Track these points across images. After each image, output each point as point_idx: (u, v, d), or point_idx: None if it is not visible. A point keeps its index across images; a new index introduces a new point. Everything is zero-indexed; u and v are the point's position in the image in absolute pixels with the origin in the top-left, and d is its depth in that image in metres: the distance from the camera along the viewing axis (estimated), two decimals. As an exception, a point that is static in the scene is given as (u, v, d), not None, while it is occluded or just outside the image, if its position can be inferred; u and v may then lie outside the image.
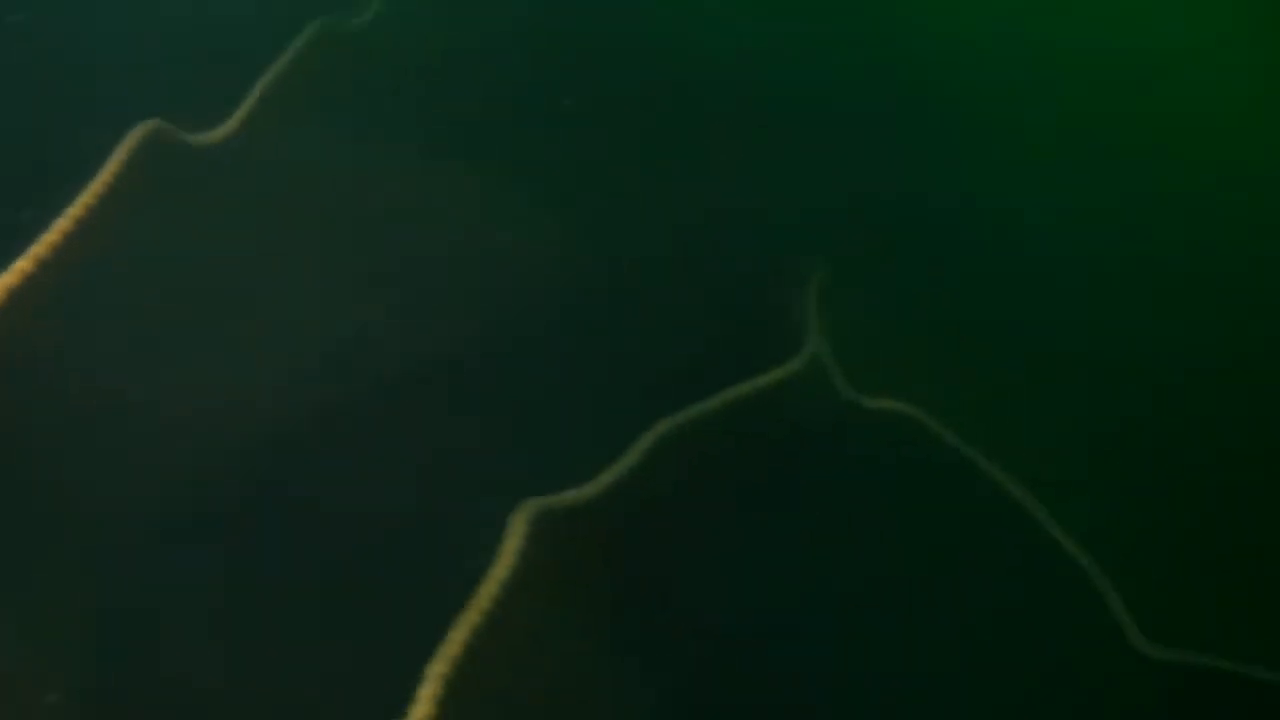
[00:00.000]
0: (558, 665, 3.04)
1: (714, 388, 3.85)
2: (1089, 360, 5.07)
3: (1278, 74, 6.44)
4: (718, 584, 3.54)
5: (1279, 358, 5.40)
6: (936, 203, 5.51)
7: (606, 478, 3.23)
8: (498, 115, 4.84)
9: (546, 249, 4.27)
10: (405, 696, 2.55)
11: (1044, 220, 5.58)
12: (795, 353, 4.23)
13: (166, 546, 3.01)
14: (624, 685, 3.13)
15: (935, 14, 6.26)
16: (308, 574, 3.08)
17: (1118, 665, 4.12)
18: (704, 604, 3.46)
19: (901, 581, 3.86)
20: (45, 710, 2.61)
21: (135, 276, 3.47)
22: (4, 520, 2.86)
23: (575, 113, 5.01)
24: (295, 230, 3.94)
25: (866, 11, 6.19)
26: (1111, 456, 4.73)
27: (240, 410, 3.40)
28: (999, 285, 5.25)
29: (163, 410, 3.27)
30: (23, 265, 3.13)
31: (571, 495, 3.19)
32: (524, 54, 5.24)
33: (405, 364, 3.72)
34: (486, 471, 3.43)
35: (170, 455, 3.20)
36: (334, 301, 3.79)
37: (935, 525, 4.08)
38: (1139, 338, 5.28)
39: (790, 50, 5.86)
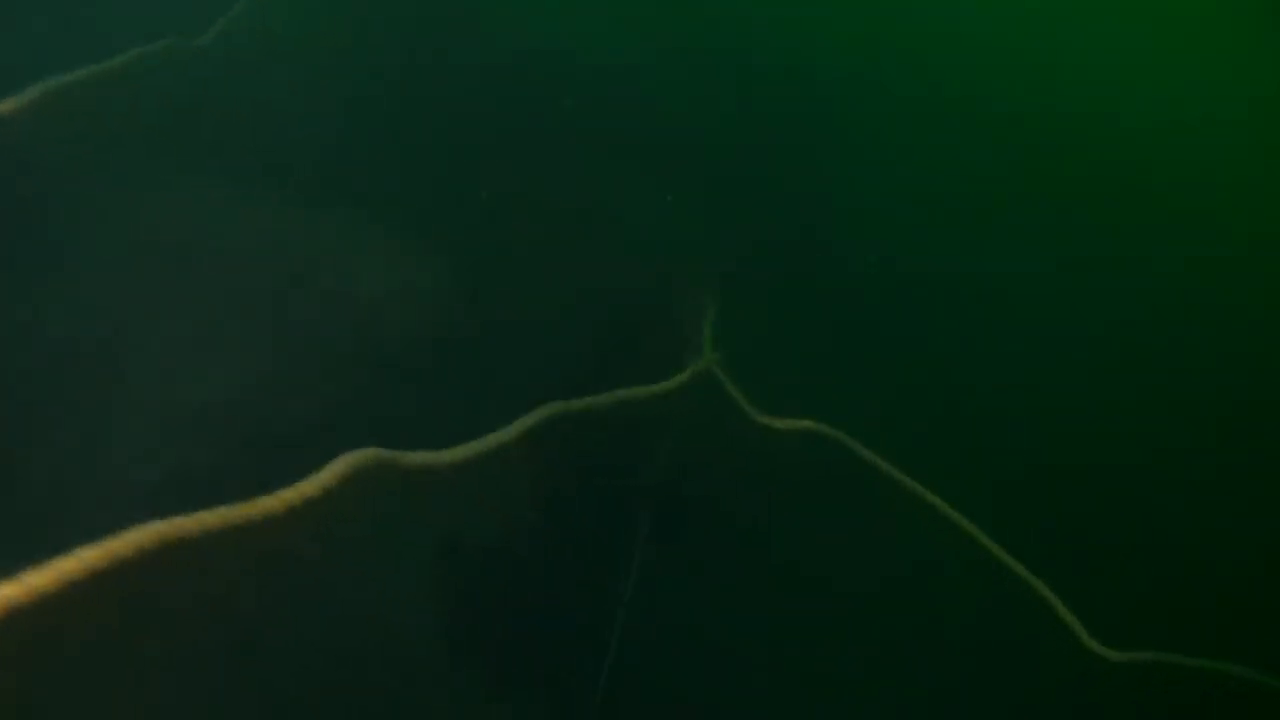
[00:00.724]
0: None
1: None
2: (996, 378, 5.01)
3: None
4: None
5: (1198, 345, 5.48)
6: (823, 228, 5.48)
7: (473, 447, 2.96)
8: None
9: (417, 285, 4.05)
10: None
11: (936, 238, 5.57)
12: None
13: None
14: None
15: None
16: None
17: (1071, 668, 3.97)
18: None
19: (827, 596, 3.71)
20: None
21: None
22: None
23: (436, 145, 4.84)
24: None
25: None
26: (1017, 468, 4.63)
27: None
28: (897, 300, 5.21)
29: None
30: None
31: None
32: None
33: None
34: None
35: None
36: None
37: (855, 540, 3.93)
38: (1045, 349, 5.27)
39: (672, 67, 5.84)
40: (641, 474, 3.62)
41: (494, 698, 3.01)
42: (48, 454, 3.24)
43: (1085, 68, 7.15)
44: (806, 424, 4.10)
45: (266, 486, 3.17)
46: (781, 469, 4.01)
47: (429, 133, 4.89)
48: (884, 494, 4.09)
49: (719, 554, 3.69)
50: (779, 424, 4.09)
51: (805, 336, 4.78)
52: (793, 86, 6.28)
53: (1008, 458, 4.57)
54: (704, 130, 5.68)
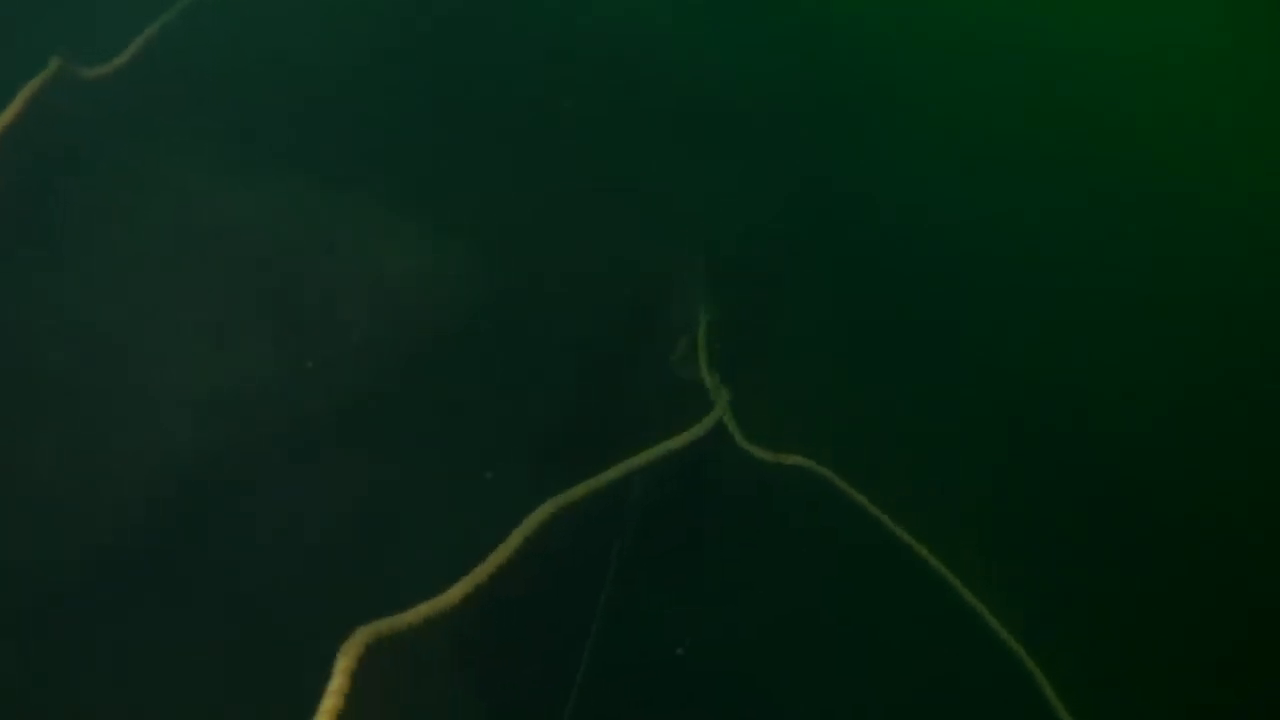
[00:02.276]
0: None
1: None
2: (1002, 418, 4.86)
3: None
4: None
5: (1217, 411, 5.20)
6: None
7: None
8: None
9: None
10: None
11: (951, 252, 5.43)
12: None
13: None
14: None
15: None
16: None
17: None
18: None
19: (812, 643, 3.73)
20: None
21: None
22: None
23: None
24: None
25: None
26: (1022, 519, 4.54)
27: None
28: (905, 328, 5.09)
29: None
30: None
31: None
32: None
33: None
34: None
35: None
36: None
37: (844, 584, 3.94)
38: (1059, 388, 5.09)
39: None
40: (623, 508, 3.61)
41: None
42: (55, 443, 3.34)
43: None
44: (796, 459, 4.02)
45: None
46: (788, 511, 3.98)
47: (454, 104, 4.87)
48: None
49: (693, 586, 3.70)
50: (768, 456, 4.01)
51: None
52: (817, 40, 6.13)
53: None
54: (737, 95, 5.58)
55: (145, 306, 3.68)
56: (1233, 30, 6.62)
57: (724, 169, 5.20)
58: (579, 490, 3.27)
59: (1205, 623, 4.35)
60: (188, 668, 2.93)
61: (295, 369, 3.66)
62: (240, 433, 3.46)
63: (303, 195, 4.12)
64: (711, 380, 4.17)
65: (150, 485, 3.26)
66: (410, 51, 4.97)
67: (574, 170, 4.87)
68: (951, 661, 3.89)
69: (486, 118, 4.96)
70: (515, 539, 2.99)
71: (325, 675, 2.53)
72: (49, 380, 3.43)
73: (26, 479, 3.19)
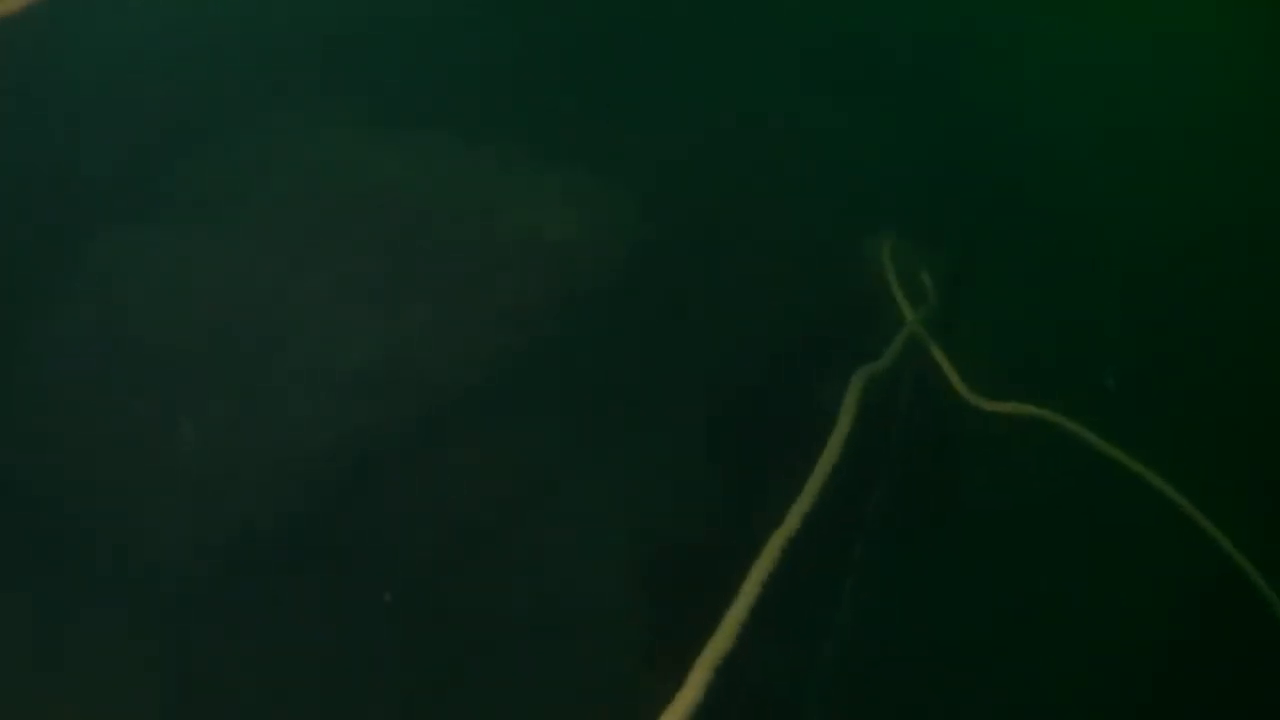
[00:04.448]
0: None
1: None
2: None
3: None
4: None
5: None
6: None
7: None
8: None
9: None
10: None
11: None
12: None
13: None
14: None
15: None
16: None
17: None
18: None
19: (1062, 598, 3.31)
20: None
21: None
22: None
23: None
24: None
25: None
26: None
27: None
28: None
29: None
30: None
31: None
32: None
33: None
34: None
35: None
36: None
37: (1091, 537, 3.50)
38: None
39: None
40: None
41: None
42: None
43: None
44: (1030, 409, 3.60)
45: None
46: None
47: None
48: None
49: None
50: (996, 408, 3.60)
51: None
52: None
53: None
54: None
55: (291, 276, 3.50)
56: None
57: (881, 105, 4.78)
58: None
59: None
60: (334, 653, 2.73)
61: (451, 337, 3.44)
62: (393, 405, 3.25)
63: (444, 153, 3.90)
64: (919, 329, 3.77)
65: (304, 461, 3.06)
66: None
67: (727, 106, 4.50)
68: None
69: (627, 56, 4.61)
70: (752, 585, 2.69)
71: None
72: (194, 353, 3.27)
73: (173, 457, 3.03)
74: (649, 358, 3.52)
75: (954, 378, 3.67)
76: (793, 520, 2.81)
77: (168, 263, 3.40)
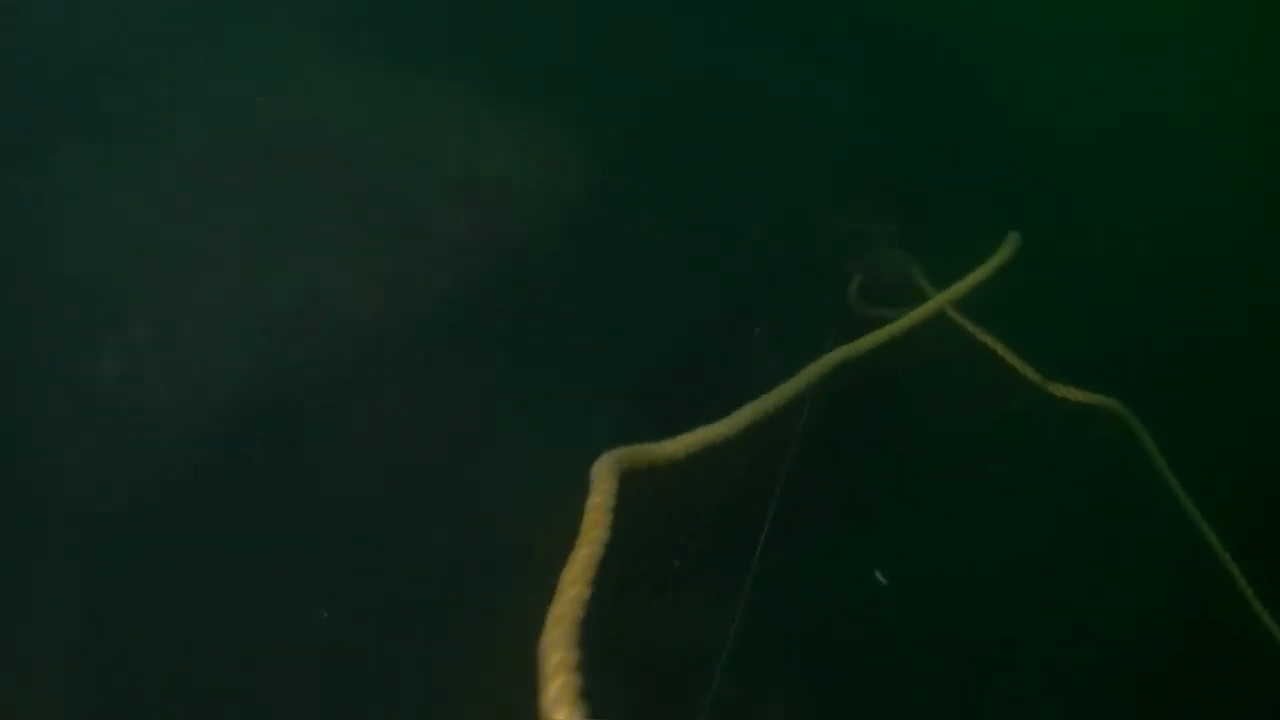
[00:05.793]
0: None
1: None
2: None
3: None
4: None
5: None
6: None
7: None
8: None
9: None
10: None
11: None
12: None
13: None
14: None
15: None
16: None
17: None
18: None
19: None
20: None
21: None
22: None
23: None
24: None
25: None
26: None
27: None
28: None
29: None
30: None
31: None
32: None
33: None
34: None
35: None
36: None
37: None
38: None
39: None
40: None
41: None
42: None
43: None
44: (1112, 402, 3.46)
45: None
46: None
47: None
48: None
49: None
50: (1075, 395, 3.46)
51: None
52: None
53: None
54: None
55: (218, 210, 3.38)
56: None
57: (855, 72, 4.63)
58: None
59: None
60: (272, 585, 2.66)
61: (383, 276, 3.34)
62: (320, 344, 3.16)
63: (386, 87, 3.78)
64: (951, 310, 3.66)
65: (231, 399, 2.97)
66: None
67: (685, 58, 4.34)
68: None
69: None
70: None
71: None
72: (117, 290, 3.14)
73: (89, 391, 2.92)
74: (585, 302, 3.45)
75: (1017, 362, 3.53)
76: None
77: (87, 191, 3.25)
